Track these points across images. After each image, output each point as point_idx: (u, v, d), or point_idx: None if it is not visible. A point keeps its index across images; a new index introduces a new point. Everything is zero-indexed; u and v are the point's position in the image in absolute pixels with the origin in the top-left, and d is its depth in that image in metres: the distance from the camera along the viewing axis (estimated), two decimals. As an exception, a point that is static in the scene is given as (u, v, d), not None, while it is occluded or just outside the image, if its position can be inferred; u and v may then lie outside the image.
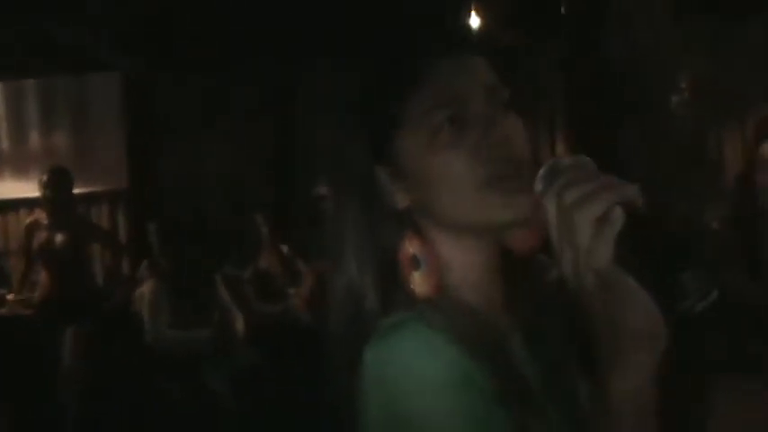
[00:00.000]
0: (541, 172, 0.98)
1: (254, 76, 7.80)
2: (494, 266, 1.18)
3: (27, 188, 7.31)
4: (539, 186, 0.98)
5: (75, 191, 6.37)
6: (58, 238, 6.05)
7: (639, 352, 0.90)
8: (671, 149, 3.34)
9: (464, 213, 1.11)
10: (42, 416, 5.68)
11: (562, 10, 3.47)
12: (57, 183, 6.08)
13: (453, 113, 1.11)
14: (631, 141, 3.28)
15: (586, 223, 0.89)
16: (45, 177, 6.10)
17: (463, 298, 1.14)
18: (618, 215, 0.88)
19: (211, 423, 5.23)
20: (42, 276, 6.21)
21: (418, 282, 1.11)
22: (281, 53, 7.32)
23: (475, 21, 6.85)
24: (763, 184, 6.93)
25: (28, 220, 6.41)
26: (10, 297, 6.51)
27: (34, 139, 8.35)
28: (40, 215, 6.22)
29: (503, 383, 1.04)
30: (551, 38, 4.32)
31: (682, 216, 3.41)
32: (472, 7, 6.74)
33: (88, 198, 7.81)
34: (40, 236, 6.10)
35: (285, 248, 6.30)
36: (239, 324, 5.60)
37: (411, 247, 1.13)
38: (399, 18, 1.25)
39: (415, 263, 1.12)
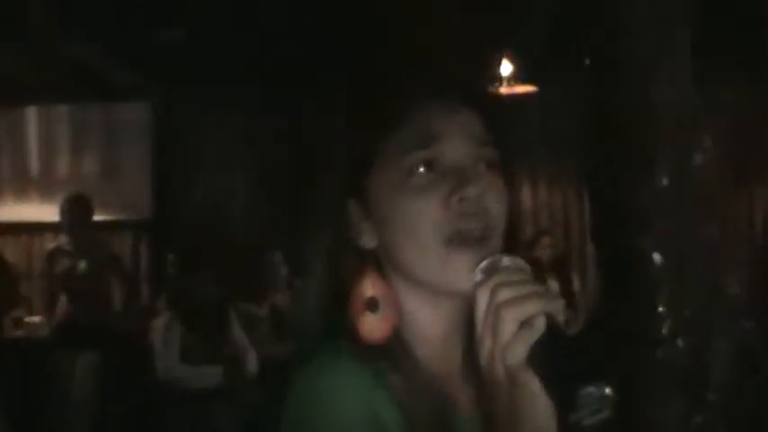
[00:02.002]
0: (482, 265, 1.02)
1: (278, 109, 7.82)
2: (455, 327, 1.15)
3: (53, 212, 7.36)
4: (477, 276, 1.02)
5: (100, 218, 6.42)
6: (80, 265, 6.09)
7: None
8: (692, 208, 3.28)
9: (425, 270, 1.08)
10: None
11: (587, 61, 3.42)
12: (75, 210, 6.13)
13: (429, 158, 1.08)
14: (649, 199, 3.23)
15: (511, 323, 0.95)
16: (65, 204, 6.15)
17: (412, 352, 1.12)
18: (541, 324, 0.95)
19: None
20: (61, 301, 6.24)
21: (369, 324, 1.09)
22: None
23: (506, 68, 6.87)
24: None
25: (50, 247, 6.45)
26: (27, 319, 6.56)
27: (63, 164, 8.46)
28: (63, 241, 6.26)
29: None
30: (573, 89, 4.32)
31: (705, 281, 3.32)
32: (504, 54, 6.77)
33: (112, 226, 7.86)
34: (62, 262, 6.14)
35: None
36: (252, 361, 5.56)
37: (371, 289, 1.10)
38: (391, 59, 1.23)
39: (372, 305, 1.09)
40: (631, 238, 3.13)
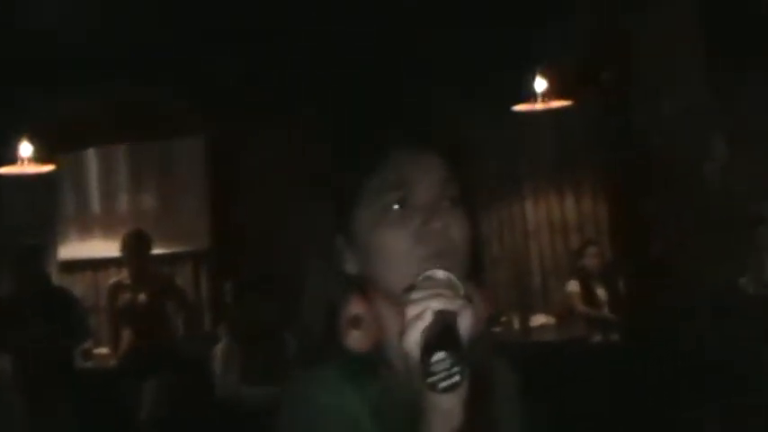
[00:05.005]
0: (420, 277, 1.22)
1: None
2: None
3: (115, 248, 7.67)
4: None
5: (160, 251, 6.72)
6: (140, 297, 6.39)
7: (438, 423, 1.15)
8: (704, 217, 3.43)
9: (397, 282, 1.29)
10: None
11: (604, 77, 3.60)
12: (134, 245, 6.45)
13: (401, 197, 1.31)
14: (661, 210, 3.39)
15: (409, 316, 1.16)
16: (125, 239, 6.48)
17: (391, 362, 1.33)
18: (427, 315, 1.15)
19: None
20: (125, 332, 6.54)
21: (354, 339, 1.31)
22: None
23: (541, 84, 7.05)
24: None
25: (111, 281, 6.77)
26: (96, 351, 6.86)
27: (123, 201, 8.80)
28: (123, 275, 6.58)
29: None
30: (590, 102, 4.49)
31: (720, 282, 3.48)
32: (538, 71, 6.94)
33: (172, 258, 8.17)
34: (124, 296, 6.45)
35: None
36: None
37: (355, 308, 1.32)
38: (372, 110, 1.47)
39: (356, 323, 1.31)
40: (635, 246, 3.30)
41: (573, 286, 7.64)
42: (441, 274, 1.21)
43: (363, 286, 1.35)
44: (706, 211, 3.43)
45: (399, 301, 1.25)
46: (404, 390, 1.27)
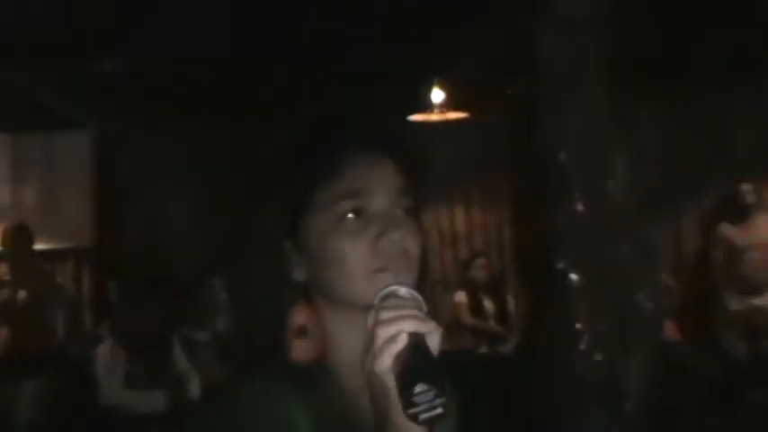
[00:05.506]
0: (381, 293, 1.20)
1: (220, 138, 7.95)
2: None
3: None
4: (375, 302, 1.20)
5: (41, 247, 6.48)
6: (20, 295, 6.15)
7: None
8: (604, 233, 3.50)
9: (352, 294, 1.27)
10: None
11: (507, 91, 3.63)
12: (15, 240, 6.21)
13: (357, 206, 1.27)
14: (565, 227, 3.44)
15: (381, 338, 1.13)
16: (4, 234, 6.24)
17: (335, 369, 1.30)
18: (402, 339, 1.12)
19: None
20: (2, 331, 6.29)
21: (300, 348, 1.28)
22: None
23: (438, 95, 7.11)
24: (716, 261, 7.20)
25: (-10, 277, 6.50)
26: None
27: (3, 193, 8.46)
28: (2, 271, 6.32)
29: None
30: (500, 117, 4.56)
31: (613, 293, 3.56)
32: (435, 82, 7.00)
33: (54, 254, 7.90)
34: (2, 293, 6.20)
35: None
36: (194, 386, 5.67)
37: (301, 317, 1.29)
38: (324, 115, 1.41)
39: (301, 332, 1.28)
40: (550, 259, 3.35)
41: (460, 297, 7.73)
42: (403, 291, 1.19)
43: (311, 294, 1.32)
44: (605, 226, 3.49)
45: (352, 315, 1.25)
46: (348, 402, 1.27)
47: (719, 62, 6.75)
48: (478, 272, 7.79)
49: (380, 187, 1.29)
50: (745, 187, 7.21)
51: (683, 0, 5.53)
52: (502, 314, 7.64)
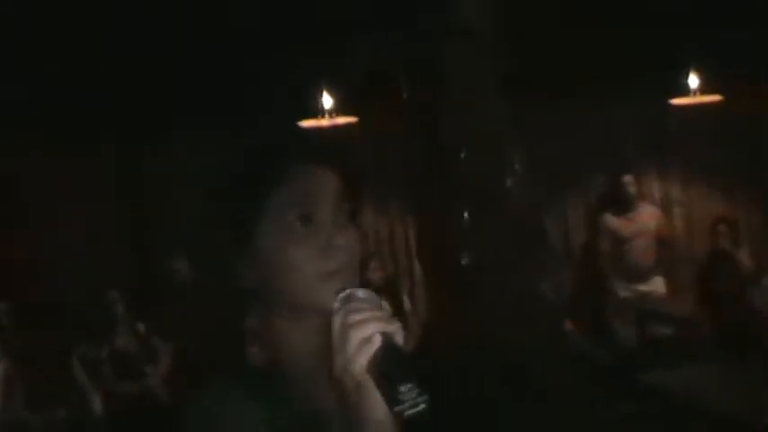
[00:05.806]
0: (340, 296, 1.24)
1: (109, 154, 7.84)
2: (324, 343, 1.32)
3: None
4: (336, 305, 1.24)
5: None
6: None
7: None
8: (506, 229, 3.61)
9: (303, 297, 1.31)
10: None
11: (404, 95, 3.71)
12: None
13: (305, 214, 1.32)
14: (470, 224, 3.54)
15: (355, 340, 1.18)
16: None
17: (288, 372, 1.34)
18: (377, 340, 1.17)
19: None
20: None
21: (254, 354, 1.32)
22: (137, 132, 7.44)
23: (328, 101, 7.14)
24: (604, 251, 7.46)
25: None
26: None
27: None
28: None
29: None
30: (394, 123, 4.63)
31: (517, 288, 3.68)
32: (324, 88, 7.03)
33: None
34: None
35: (142, 326, 6.31)
36: (96, 404, 5.58)
37: (254, 324, 1.34)
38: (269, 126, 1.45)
39: (254, 338, 1.33)
40: (442, 258, 3.44)
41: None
42: (362, 293, 1.23)
43: (263, 301, 1.35)
44: (507, 222, 3.61)
45: (306, 319, 1.30)
46: (303, 404, 1.31)
47: (602, 68, 7.01)
48: (373, 274, 7.85)
49: (325, 194, 1.33)
50: (627, 179, 7.50)
51: (567, 12, 5.71)
52: (398, 315, 7.70)
